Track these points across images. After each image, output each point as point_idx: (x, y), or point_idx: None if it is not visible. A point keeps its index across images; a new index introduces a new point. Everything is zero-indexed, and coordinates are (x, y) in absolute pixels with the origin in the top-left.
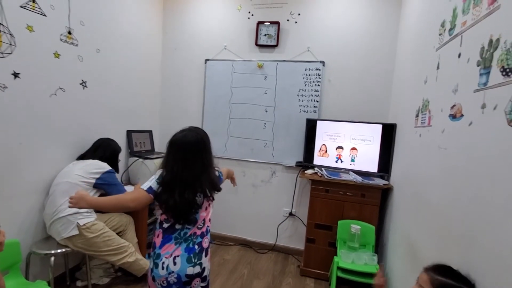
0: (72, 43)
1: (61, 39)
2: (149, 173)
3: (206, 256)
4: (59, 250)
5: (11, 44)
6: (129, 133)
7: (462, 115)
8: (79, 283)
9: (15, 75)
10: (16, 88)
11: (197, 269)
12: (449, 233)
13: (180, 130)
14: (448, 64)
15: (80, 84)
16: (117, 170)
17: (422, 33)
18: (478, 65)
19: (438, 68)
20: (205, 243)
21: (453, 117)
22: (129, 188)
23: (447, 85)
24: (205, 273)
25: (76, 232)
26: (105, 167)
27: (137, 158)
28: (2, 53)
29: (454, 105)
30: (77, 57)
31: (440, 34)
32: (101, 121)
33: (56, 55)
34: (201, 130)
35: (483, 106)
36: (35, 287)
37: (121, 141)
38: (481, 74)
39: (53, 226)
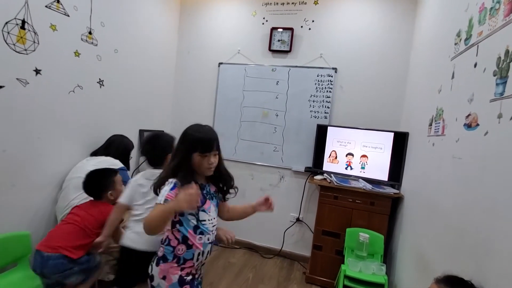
0: (92, 43)
1: (82, 39)
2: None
3: (156, 265)
4: None
5: (34, 42)
6: (141, 132)
7: (477, 125)
8: None
9: (37, 71)
10: (37, 84)
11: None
12: (462, 244)
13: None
14: (463, 74)
15: (98, 82)
16: (128, 167)
17: (437, 42)
18: (494, 75)
19: (453, 77)
20: (160, 251)
21: (468, 126)
22: None
23: (462, 94)
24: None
25: None
26: (117, 164)
27: None
28: (25, 50)
29: (469, 115)
30: (96, 56)
31: (455, 44)
32: (115, 119)
33: (77, 54)
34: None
35: (500, 116)
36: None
37: (134, 140)
38: (497, 84)
39: None
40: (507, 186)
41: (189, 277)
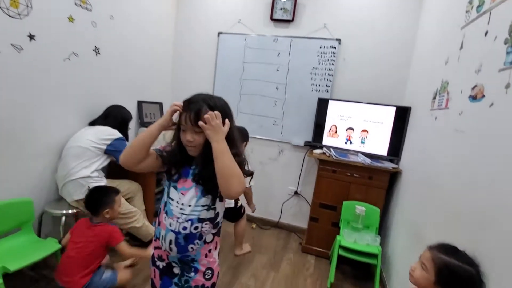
0: (86, 8)
1: (75, 3)
2: (157, 144)
3: None
4: (70, 211)
5: (27, 6)
6: (139, 103)
7: (483, 96)
8: None
9: (31, 37)
10: (31, 50)
11: None
12: (458, 217)
13: None
14: (473, 43)
15: (93, 50)
16: (127, 138)
17: (448, 11)
18: (505, 43)
19: (461, 47)
20: None
21: (473, 98)
22: None
23: (470, 65)
24: None
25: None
26: (116, 134)
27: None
28: (19, 14)
29: (476, 86)
30: (90, 23)
31: (467, 11)
32: (113, 89)
33: (70, 19)
34: None
35: (508, 86)
36: (46, 244)
37: (132, 111)
38: (508, 53)
39: (64, 188)
40: (509, 158)
41: (162, 263)
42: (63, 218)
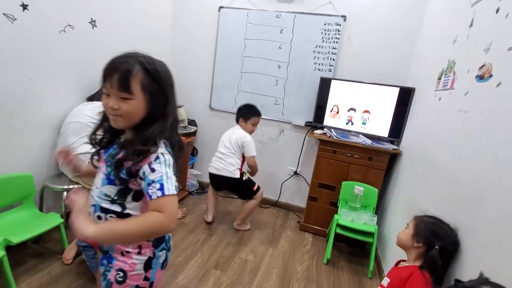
0: None
1: None
2: None
3: None
4: (71, 186)
5: None
6: None
7: (491, 75)
8: None
9: (24, 6)
10: (25, 21)
11: None
12: (455, 196)
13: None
14: (483, 21)
15: (90, 23)
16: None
17: None
18: None
19: (471, 25)
20: None
21: (480, 78)
22: None
23: (479, 43)
24: None
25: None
26: None
27: None
28: None
29: (484, 65)
30: None
31: None
32: None
33: None
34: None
35: None
36: (48, 218)
37: None
38: None
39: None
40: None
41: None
42: (64, 193)
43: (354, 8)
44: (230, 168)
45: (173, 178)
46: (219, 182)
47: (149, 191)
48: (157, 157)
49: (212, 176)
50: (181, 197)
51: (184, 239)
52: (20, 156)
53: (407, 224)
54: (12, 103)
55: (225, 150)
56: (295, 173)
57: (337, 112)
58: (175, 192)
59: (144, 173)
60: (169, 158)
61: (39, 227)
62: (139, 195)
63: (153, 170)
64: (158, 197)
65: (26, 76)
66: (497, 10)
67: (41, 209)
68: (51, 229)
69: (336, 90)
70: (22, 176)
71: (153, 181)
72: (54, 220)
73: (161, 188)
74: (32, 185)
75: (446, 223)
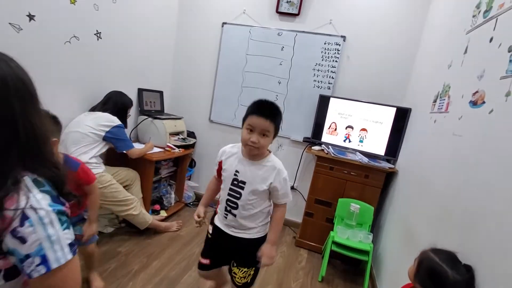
0: None
1: None
2: (158, 133)
3: None
4: None
5: None
6: (140, 91)
7: (483, 102)
8: None
9: (30, 17)
10: (31, 31)
11: None
12: (449, 220)
13: None
14: (477, 49)
15: (95, 34)
16: (125, 125)
17: (454, 14)
18: (509, 51)
19: (465, 52)
20: None
21: (474, 104)
22: (137, 146)
23: (473, 70)
24: None
25: None
26: (115, 121)
27: (146, 117)
28: None
29: (477, 92)
30: (93, 5)
31: (473, 16)
32: (114, 75)
33: (72, 1)
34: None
35: (508, 94)
36: None
37: (132, 99)
38: (510, 61)
39: None
40: (504, 165)
41: None
42: None
43: (353, 29)
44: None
45: (64, 236)
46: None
47: (26, 269)
48: (24, 218)
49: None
50: (177, 209)
51: (178, 252)
52: None
53: (415, 258)
54: None
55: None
56: (292, 187)
57: (335, 129)
58: (69, 257)
59: (8, 248)
60: (47, 211)
61: None
62: (13, 272)
63: (23, 240)
64: (42, 274)
65: None
66: (491, 40)
67: None
68: None
69: (334, 107)
70: None
71: (27, 256)
72: None
73: (44, 262)
74: None
75: (460, 266)
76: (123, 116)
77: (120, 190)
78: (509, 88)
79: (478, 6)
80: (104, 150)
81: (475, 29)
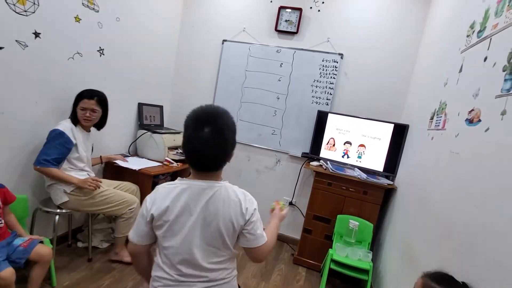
0: (94, 9)
1: (83, 3)
2: (156, 147)
3: None
4: (64, 210)
5: (34, 3)
6: (140, 105)
7: (479, 120)
8: (79, 244)
9: (36, 34)
10: (36, 48)
11: None
12: (449, 239)
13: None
14: (472, 67)
15: (98, 51)
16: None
17: (449, 33)
18: (504, 70)
19: (460, 71)
20: None
21: (470, 121)
22: (75, 173)
23: (468, 88)
24: None
25: (66, 198)
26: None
27: (145, 131)
28: (25, 11)
29: (473, 110)
30: (97, 23)
31: (468, 36)
32: (115, 90)
33: (77, 19)
34: None
35: (503, 113)
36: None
37: (132, 113)
38: (505, 80)
39: (49, 192)
40: (501, 184)
41: None
42: (57, 217)
43: (350, 47)
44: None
45: None
46: None
47: None
48: None
49: None
50: None
51: None
52: (18, 178)
53: (414, 284)
54: (15, 125)
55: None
56: (291, 203)
57: (334, 145)
58: None
59: None
60: None
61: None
62: None
63: None
64: None
65: (31, 100)
66: (485, 59)
67: (31, 232)
68: None
69: (332, 123)
70: (18, 199)
71: None
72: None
73: None
74: (26, 208)
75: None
76: (72, 109)
77: (111, 195)
78: (504, 107)
79: (472, 26)
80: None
81: (469, 48)
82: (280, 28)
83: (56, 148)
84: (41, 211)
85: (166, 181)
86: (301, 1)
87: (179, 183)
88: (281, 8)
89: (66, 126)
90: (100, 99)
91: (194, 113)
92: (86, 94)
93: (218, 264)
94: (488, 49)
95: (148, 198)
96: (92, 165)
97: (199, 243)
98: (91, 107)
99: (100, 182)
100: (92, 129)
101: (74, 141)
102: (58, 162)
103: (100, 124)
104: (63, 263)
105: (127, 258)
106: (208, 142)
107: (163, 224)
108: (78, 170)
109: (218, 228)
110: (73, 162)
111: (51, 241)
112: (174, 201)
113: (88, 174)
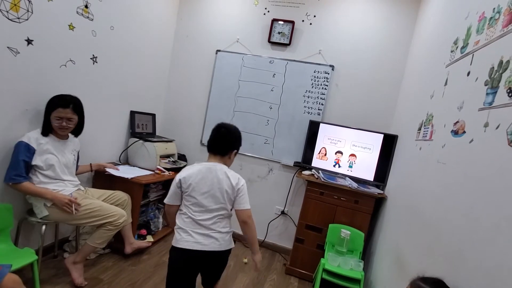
0: (88, 17)
1: (77, 12)
2: (148, 155)
3: None
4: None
5: (28, 11)
6: (132, 113)
7: (464, 132)
8: (66, 255)
9: (29, 41)
10: (28, 55)
11: None
12: (438, 246)
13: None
14: (456, 81)
15: (91, 59)
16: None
17: (434, 48)
18: (485, 85)
19: (446, 84)
20: None
21: (455, 133)
22: (52, 186)
23: (453, 101)
24: None
25: (46, 213)
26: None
27: (137, 139)
28: (18, 18)
29: (458, 122)
30: (91, 31)
31: (452, 51)
32: (107, 98)
33: (71, 27)
34: None
35: (486, 125)
36: (22, 254)
37: (124, 121)
38: (487, 94)
39: (31, 203)
40: (485, 193)
41: None
42: (43, 226)
43: (341, 59)
44: (226, 236)
45: None
46: (203, 263)
47: None
48: None
49: (190, 255)
50: (165, 234)
51: (164, 281)
52: (3, 185)
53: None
54: (4, 133)
55: (216, 207)
56: (282, 212)
57: (325, 154)
58: None
59: None
60: None
61: (11, 263)
62: None
63: None
64: None
65: (22, 107)
66: (468, 73)
67: (16, 243)
68: (24, 266)
69: (324, 133)
70: (1, 208)
71: None
72: (28, 256)
73: None
74: (10, 217)
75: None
76: (44, 120)
77: (96, 209)
78: (487, 119)
79: (455, 42)
80: (35, 163)
81: (453, 63)
82: (273, 39)
83: (21, 161)
84: (27, 220)
85: (156, 190)
86: (293, 14)
87: (198, 164)
88: (274, 20)
89: (29, 137)
90: (75, 106)
91: (217, 123)
92: (60, 102)
93: (219, 211)
94: (470, 64)
95: (179, 173)
96: (82, 173)
97: (210, 199)
98: (67, 116)
99: (79, 204)
100: (81, 136)
101: (35, 148)
102: (27, 173)
103: (78, 130)
104: (48, 276)
105: (144, 243)
106: (222, 135)
107: (189, 186)
108: (55, 180)
109: (220, 191)
110: (46, 174)
111: (37, 252)
112: (196, 173)
113: (70, 183)
